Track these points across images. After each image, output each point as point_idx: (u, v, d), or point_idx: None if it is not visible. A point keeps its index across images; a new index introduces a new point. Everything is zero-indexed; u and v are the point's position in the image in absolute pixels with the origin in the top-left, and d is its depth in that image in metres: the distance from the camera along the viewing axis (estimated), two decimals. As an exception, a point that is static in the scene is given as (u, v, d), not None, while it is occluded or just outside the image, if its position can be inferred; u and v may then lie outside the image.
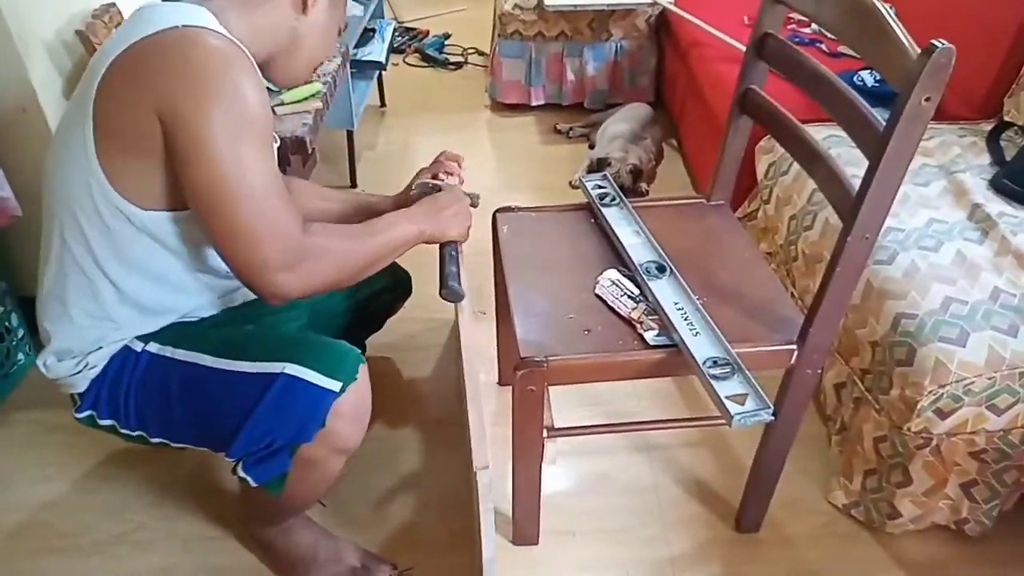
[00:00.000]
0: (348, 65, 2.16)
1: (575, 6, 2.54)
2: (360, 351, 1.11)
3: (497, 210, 1.39)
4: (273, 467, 1.03)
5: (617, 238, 1.27)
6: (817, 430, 1.55)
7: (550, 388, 1.23)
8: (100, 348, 1.06)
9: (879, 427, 1.32)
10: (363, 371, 1.08)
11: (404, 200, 1.30)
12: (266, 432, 1.01)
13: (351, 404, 1.04)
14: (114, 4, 1.68)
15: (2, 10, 1.38)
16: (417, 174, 1.34)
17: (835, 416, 1.48)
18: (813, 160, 1.12)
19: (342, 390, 1.02)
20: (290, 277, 0.95)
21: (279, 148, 1.63)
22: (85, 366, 1.05)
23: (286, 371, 1.00)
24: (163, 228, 0.98)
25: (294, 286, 0.95)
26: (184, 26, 0.89)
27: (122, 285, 1.02)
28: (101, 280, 1.01)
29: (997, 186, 1.53)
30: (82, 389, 1.08)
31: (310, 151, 1.68)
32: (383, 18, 2.72)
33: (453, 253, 1.18)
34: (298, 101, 1.75)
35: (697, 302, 1.12)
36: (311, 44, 1.07)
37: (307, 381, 1.01)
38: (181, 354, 1.06)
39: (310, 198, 1.33)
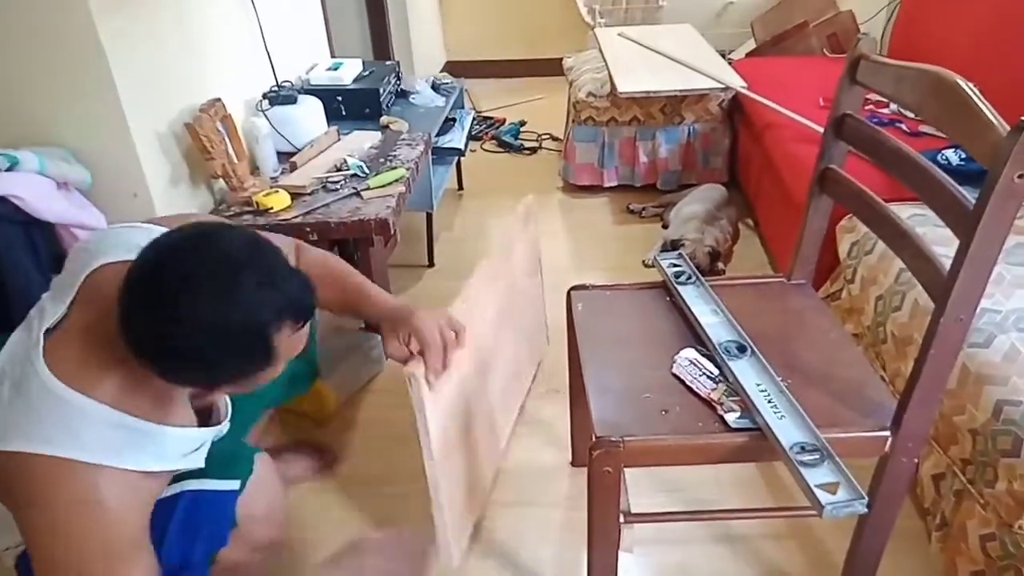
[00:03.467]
0: (429, 152, 2.26)
1: (648, 93, 2.61)
2: (254, 448, 1.13)
3: (572, 288, 1.40)
4: None
5: (694, 317, 1.26)
6: (914, 525, 1.45)
7: (626, 471, 1.20)
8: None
9: (985, 524, 1.22)
10: (264, 465, 1.09)
11: (397, 314, 1.16)
12: (183, 551, 0.99)
13: (261, 504, 1.08)
14: (219, 99, 1.83)
15: (123, 105, 1.53)
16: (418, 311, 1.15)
17: (934, 510, 1.38)
18: (899, 239, 1.09)
19: (242, 486, 1.04)
20: None
21: (364, 226, 1.71)
22: (7, 549, 1.04)
23: (185, 489, 1.00)
24: None
25: None
26: (47, 456, 0.83)
27: None
28: None
29: (1103, 266, 1.44)
30: (12, 565, 1.05)
31: (392, 232, 1.75)
32: (463, 108, 2.86)
33: None
34: (383, 185, 1.84)
35: (781, 384, 1.09)
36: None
37: (207, 491, 1.01)
38: None
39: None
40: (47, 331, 0.90)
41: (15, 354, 0.91)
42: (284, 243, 1.23)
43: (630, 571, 1.42)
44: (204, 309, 0.81)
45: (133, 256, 0.91)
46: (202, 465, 1.01)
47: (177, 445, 0.97)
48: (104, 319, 0.88)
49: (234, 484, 1.05)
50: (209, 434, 1.04)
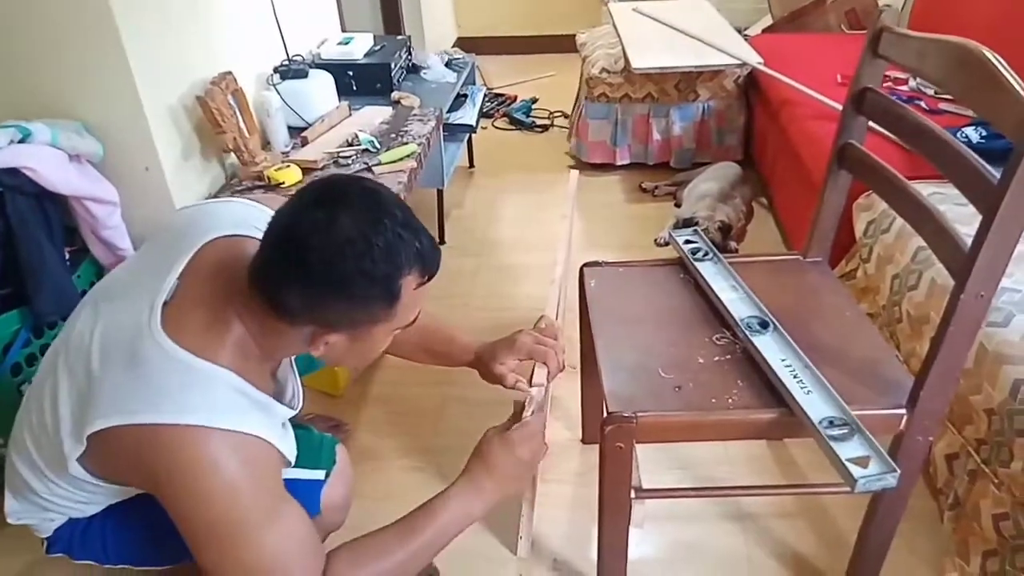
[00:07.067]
0: (441, 129, 2.24)
1: (662, 69, 2.57)
2: (333, 439, 1.16)
3: (584, 264, 1.39)
4: None
5: (714, 293, 1.25)
6: (925, 504, 1.44)
7: (638, 449, 1.19)
8: (62, 518, 1.02)
9: (999, 503, 1.21)
10: (342, 455, 1.12)
11: (488, 349, 1.19)
12: None
13: (339, 494, 1.10)
14: (230, 73, 1.82)
15: (135, 78, 1.52)
16: (517, 333, 1.19)
17: (947, 490, 1.37)
18: (919, 216, 1.08)
19: (327, 476, 1.08)
20: None
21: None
22: (50, 520, 1.02)
23: None
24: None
25: None
26: (183, 426, 0.81)
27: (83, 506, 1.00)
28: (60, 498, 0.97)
29: (1126, 246, 1.42)
30: (48, 534, 1.04)
31: (403, 207, 1.74)
32: (474, 85, 2.83)
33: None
34: (395, 161, 1.83)
35: (806, 359, 1.08)
36: (335, 361, 1.01)
37: (296, 479, 1.00)
38: None
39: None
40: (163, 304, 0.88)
41: (122, 330, 0.87)
42: None
43: (640, 546, 1.42)
44: (355, 222, 0.81)
45: (244, 231, 0.94)
46: (294, 450, 0.96)
47: (279, 421, 0.95)
48: (219, 286, 0.88)
49: (320, 474, 1.08)
50: (289, 415, 1.01)
